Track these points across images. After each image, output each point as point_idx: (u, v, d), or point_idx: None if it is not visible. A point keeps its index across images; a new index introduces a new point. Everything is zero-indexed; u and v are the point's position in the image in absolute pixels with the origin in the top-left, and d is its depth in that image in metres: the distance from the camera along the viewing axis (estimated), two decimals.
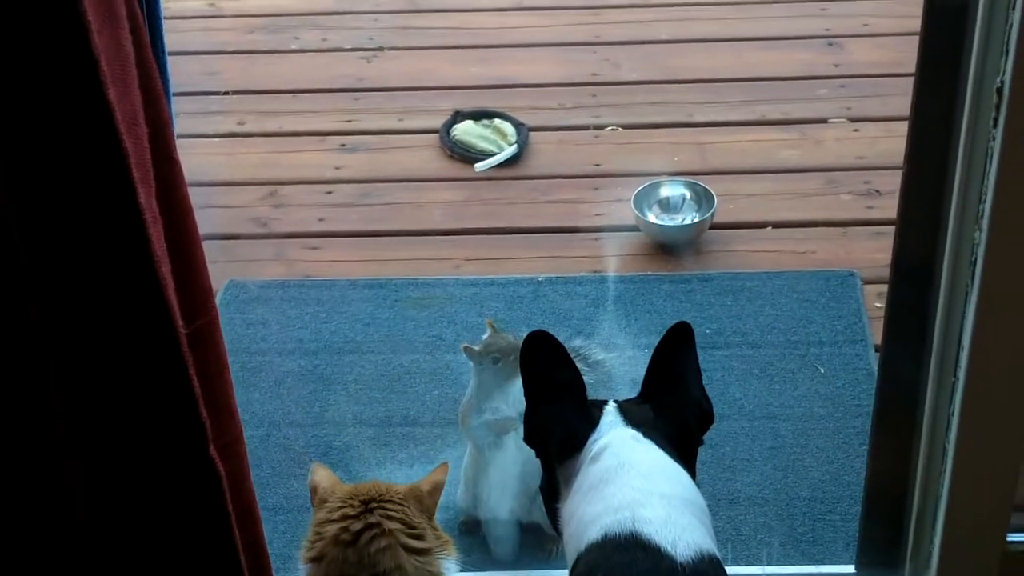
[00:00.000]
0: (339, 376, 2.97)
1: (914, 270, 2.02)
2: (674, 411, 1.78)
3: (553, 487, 1.79)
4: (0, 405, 1.43)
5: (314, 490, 1.91)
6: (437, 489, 1.90)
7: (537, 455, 1.85)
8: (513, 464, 2.53)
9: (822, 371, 2.91)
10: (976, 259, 1.86)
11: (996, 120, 1.74)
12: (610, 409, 1.77)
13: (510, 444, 2.52)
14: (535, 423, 1.81)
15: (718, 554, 1.64)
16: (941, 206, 1.92)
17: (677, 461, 1.74)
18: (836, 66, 3.81)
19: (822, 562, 2.53)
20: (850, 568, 2.40)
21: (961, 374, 1.96)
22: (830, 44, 3.90)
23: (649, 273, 3.19)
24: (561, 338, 2.71)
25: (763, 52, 3.90)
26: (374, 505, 1.85)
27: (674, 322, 1.83)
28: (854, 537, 2.56)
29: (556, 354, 1.79)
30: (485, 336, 2.53)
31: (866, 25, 3.96)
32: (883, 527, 2.30)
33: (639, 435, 1.74)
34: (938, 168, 1.90)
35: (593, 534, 1.64)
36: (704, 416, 1.80)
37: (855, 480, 2.68)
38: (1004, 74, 1.71)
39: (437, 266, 3.26)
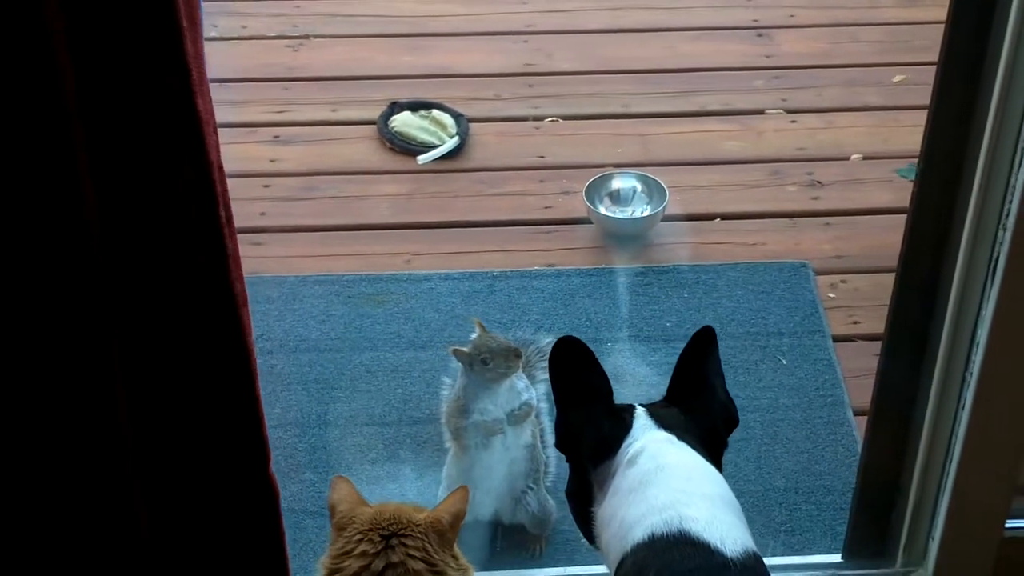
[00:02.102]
0: (297, 375, 2.91)
1: (923, 263, 2.03)
2: (702, 414, 1.81)
3: (586, 491, 1.80)
4: (75, 422, 1.37)
5: (332, 509, 1.84)
6: (458, 520, 1.86)
7: (568, 460, 1.86)
8: (499, 465, 2.51)
9: (784, 362, 2.93)
10: (998, 256, 1.88)
11: None
12: (640, 413, 1.80)
13: (496, 445, 2.50)
14: (567, 428, 1.82)
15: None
16: (956, 201, 1.93)
17: (709, 463, 1.76)
18: (768, 57, 3.84)
19: (802, 552, 2.56)
20: (836, 558, 2.42)
21: (975, 370, 1.98)
22: (759, 35, 3.93)
23: (604, 266, 3.19)
24: (522, 334, 2.76)
25: (695, 43, 3.91)
26: (395, 542, 1.80)
27: (705, 324, 1.84)
28: (831, 526, 2.60)
29: (585, 359, 1.80)
30: (473, 336, 2.50)
31: (792, 16, 3.99)
32: (874, 518, 2.33)
33: (673, 438, 1.77)
34: (956, 163, 1.91)
35: (639, 534, 1.66)
36: (730, 420, 1.84)
37: (827, 469, 2.72)
38: None
39: (388, 261, 3.21)
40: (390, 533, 1.79)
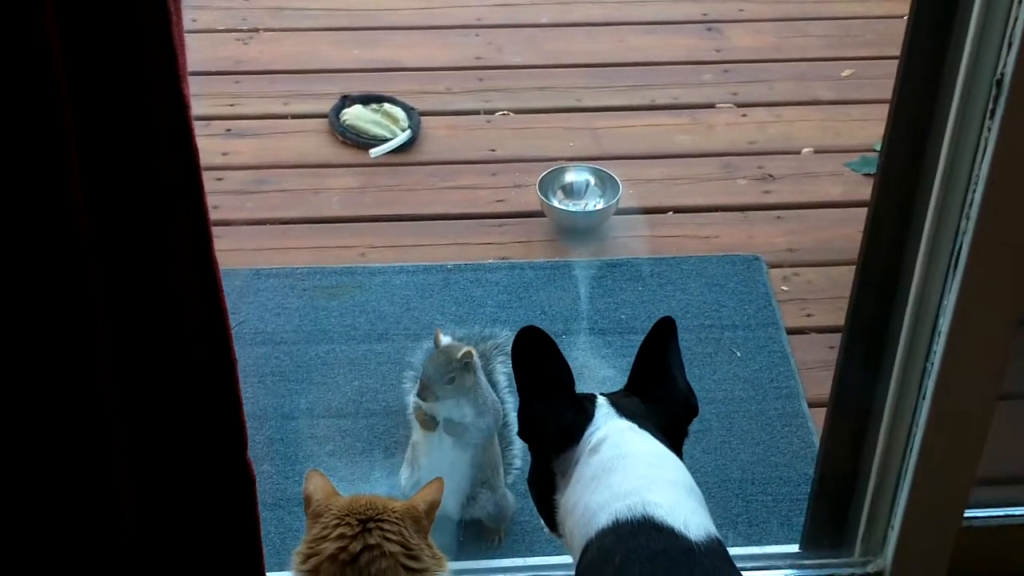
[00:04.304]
0: (254, 368, 2.90)
1: (883, 253, 2.05)
2: (663, 404, 1.83)
3: (548, 479, 1.81)
4: (61, 405, 1.36)
5: (308, 500, 1.85)
6: (433, 508, 1.88)
7: (530, 448, 1.87)
8: (450, 466, 2.50)
9: (738, 355, 2.95)
10: (960, 246, 1.90)
11: (993, 112, 1.78)
12: (602, 402, 1.81)
13: (445, 447, 2.51)
14: (529, 417, 1.83)
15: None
16: (918, 190, 1.95)
17: (670, 451, 1.78)
18: (718, 51, 3.86)
19: (759, 542, 2.57)
20: (794, 548, 2.44)
21: (936, 360, 2.00)
22: (709, 29, 3.95)
23: (559, 259, 3.19)
24: (477, 328, 2.76)
25: (645, 36, 3.93)
26: (372, 525, 1.81)
27: (661, 316, 1.86)
28: (788, 517, 2.62)
29: (547, 348, 1.81)
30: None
31: (742, 11, 4.02)
32: (832, 508, 2.34)
33: (635, 426, 1.79)
34: (915, 155, 1.93)
35: (603, 520, 1.67)
36: (691, 409, 1.85)
37: (782, 461, 2.74)
38: (1005, 67, 1.74)
39: (341, 254, 3.21)
40: (367, 518, 1.81)
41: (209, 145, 3.51)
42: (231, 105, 3.64)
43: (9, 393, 1.36)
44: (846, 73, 3.76)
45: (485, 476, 2.54)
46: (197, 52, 3.86)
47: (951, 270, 1.94)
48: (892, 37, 3.76)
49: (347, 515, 1.82)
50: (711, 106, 3.67)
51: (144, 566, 1.49)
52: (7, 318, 1.31)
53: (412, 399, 2.55)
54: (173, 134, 1.21)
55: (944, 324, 1.97)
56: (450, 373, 2.45)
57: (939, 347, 2.00)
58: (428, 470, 2.52)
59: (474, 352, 2.48)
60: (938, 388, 2.02)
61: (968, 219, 1.87)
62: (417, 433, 2.55)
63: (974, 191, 1.85)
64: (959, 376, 2.01)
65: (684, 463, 1.79)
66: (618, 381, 1.89)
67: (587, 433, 1.77)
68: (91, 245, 1.25)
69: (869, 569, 2.30)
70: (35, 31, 1.15)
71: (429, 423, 2.50)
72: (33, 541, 1.46)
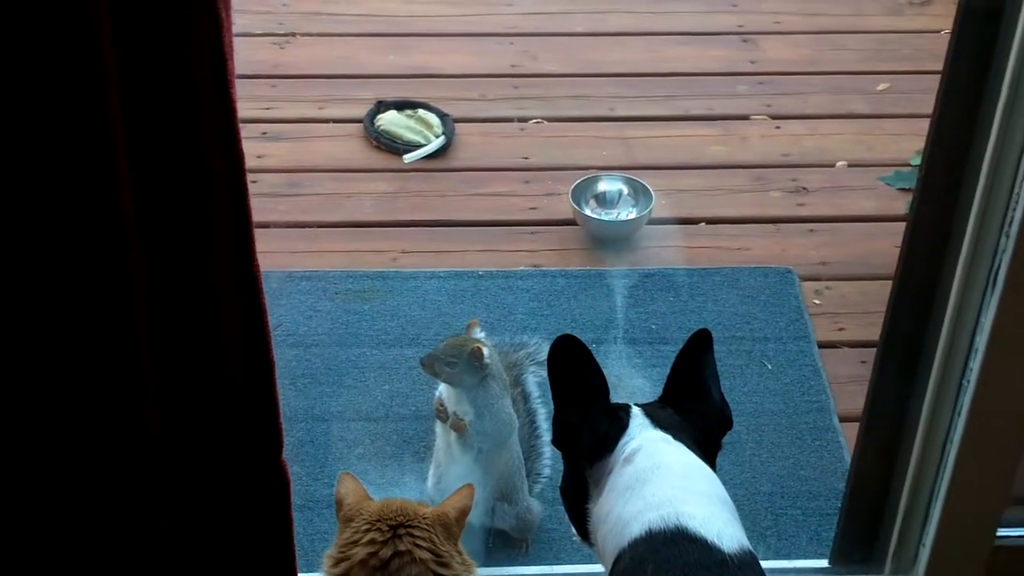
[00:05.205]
0: (286, 370, 2.89)
1: (921, 269, 2.05)
2: (697, 416, 1.84)
3: (581, 488, 1.82)
4: (102, 406, 1.37)
5: (339, 503, 1.87)
6: (464, 515, 1.89)
7: (564, 457, 1.87)
8: (470, 472, 2.51)
9: (769, 367, 2.95)
10: (999, 263, 1.89)
11: None
12: (636, 413, 1.82)
13: (458, 449, 2.51)
14: (564, 426, 1.84)
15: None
16: (957, 207, 1.95)
17: (704, 462, 1.78)
18: (752, 63, 3.86)
19: (788, 556, 2.57)
20: (823, 563, 2.43)
21: (972, 377, 2.00)
22: (744, 41, 3.95)
23: (590, 268, 3.19)
24: (508, 336, 2.77)
25: (679, 47, 3.92)
26: (402, 531, 1.82)
27: (692, 327, 1.88)
28: (817, 532, 2.61)
29: (583, 358, 1.82)
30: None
31: (777, 23, 4.01)
32: (863, 524, 2.34)
33: (669, 437, 1.79)
34: (955, 171, 1.92)
35: (636, 530, 1.68)
36: (725, 421, 1.86)
37: (812, 475, 2.73)
38: None
39: (374, 258, 3.22)
40: (398, 524, 1.82)
41: (244, 148, 3.49)
42: (267, 109, 3.65)
43: (51, 386, 1.36)
44: (881, 87, 3.75)
45: (503, 488, 2.54)
46: (234, 55, 3.87)
47: (989, 287, 1.93)
48: (928, 52, 3.78)
49: (378, 520, 1.83)
50: (745, 118, 3.66)
51: (178, 565, 1.50)
52: (53, 309, 1.31)
53: (438, 391, 2.56)
54: (222, 134, 1.22)
55: (981, 341, 1.97)
56: (454, 357, 2.46)
57: (975, 364, 1.99)
58: (447, 476, 2.53)
59: (485, 351, 2.46)
60: (973, 405, 2.02)
61: (1008, 237, 1.87)
62: (439, 438, 2.56)
63: (1014, 209, 1.84)
64: (995, 394, 2.00)
65: (716, 475, 1.79)
66: (649, 391, 1.89)
67: (621, 443, 1.78)
68: (136, 240, 1.26)
69: None
70: (87, 32, 1.16)
71: (443, 413, 2.51)
72: (68, 536, 1.47)
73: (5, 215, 1.28)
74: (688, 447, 1.78)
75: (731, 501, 1.76)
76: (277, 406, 1.44)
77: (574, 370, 1.81)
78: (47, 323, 1.34)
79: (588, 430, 1.80)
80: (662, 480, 1.72)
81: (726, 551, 1.63)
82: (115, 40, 1.15)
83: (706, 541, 1.64)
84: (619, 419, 1.80)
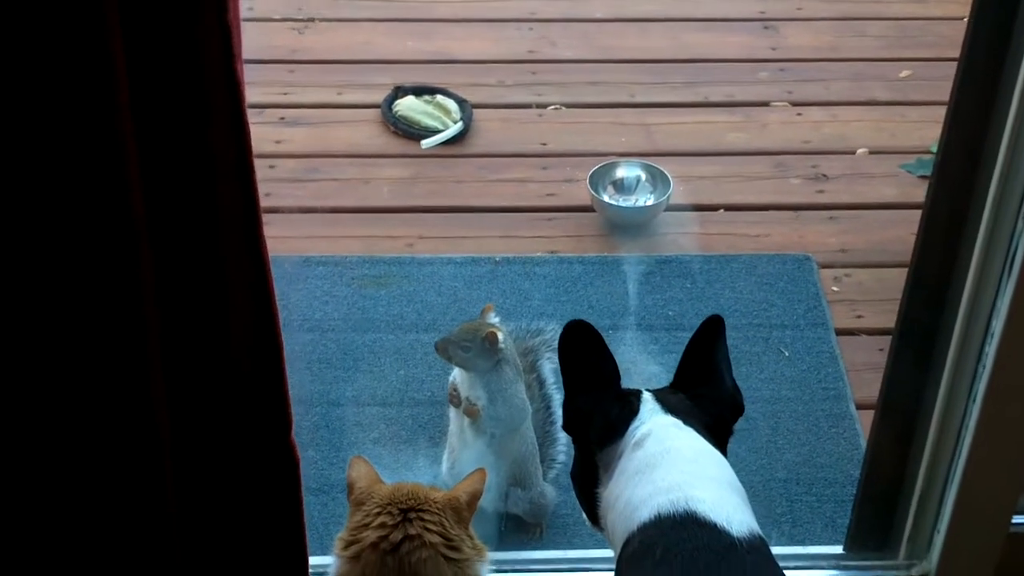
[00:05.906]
0: (301, 355, 2.91)
1: (936, 254, 2.03)
2: (709, 401, 1.83)
3: (591, 472, 1.81)
4: (110, 387, 1.37)
5: (351, 486, 1.87)
6: (475, 499, 1.89)
7: (574, 441, 1.87)
8: (482, 458, 2.51)
9: (787, 354, 2.94)
10: (1016, 250, 1.88)
11: None
12: (647, 398, 1.81)
13: (471, 433, 2.51)
14: (575, 411, 1.83)
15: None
16: (973, 193, 1.93)
17: (715, 448, 1.77)
18: (774, 49, 3.84)
19: (803, 542, 2.56)
20: (838, 549, 2.42)
21: (988, 362, 1.98)
22: (766, 27, 3.93)
23: (608, 255, 3.18)
24: (524, 322, 2.76)
25: (700, 33, 3.91)
26: (413, 515, 1.82)
27: (710, 314, 1.86)
28: (832, 518, 2.61)
29: (594, 343, 1.82)
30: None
31: (800, 9, 3.99)
32: (878, 510, 2.33)
33: (679, 422, 1.79)
34: (971, 158, 1.91)
35: (645, 514, 1.67)
36: (736, 407, 1.85)
37: (828, 461, 2.72)
38: None
39: (390, 244, 3.21)
40: (408, 508, 1.82)
41: (263, 133, 3.52)
42: (285, 94, 3.65)
43: (59, 366, 1.37)
44: (903, 74, 3.73)
45: (516, 474, 2.54)
46: (252, 40, 3.83)
47: (1005, 274, 1.92)
48: (950, 39, 3.75)
49: (389, 504, 1.83)
50: (765, 104, 3.65)
51: (188, 545, 1.50)
52: (62, 298, 1.32)
53: (451, 376, 2.56)
54: (229, 115, 1.21)
55: (997, 328, 1.96)
56: (468, 341, 2.46)
57: (991, 351, 1.98)
58: (461, 461, 2.53)
59: (499, 336, 2.46)
60: (989, 392, 2.00)
61: None
62: (452, 423, 2.56)
63: None
64: (1011, 381, 1.99)
65: (729, 461, 1.78)
66: (664, 378, 1.88)
67: (631, 428, 1.77)
68: (144, 224, 1.26)
69: (913, 572, 2.28)
70: (94, 20, 1.15)
71: (456, 398, 2.51)
72: (77, 521, 1.47)
73: (13, 205, 1.28)
74: (699, 432, 1.77)
75: (741, 486, 1.75)
76: (286, 385, 1.44)
77: (585, 355, 1.81)
78: (57, 305, 1.35)
79: (598, 415, 1.79)
80: (672, 464, 1.71)
81: (735, 535, 1.63)
82: (122, 24, 1.15)
83: (715, 525, 1.63)
84: (630, 404, 1.79)
